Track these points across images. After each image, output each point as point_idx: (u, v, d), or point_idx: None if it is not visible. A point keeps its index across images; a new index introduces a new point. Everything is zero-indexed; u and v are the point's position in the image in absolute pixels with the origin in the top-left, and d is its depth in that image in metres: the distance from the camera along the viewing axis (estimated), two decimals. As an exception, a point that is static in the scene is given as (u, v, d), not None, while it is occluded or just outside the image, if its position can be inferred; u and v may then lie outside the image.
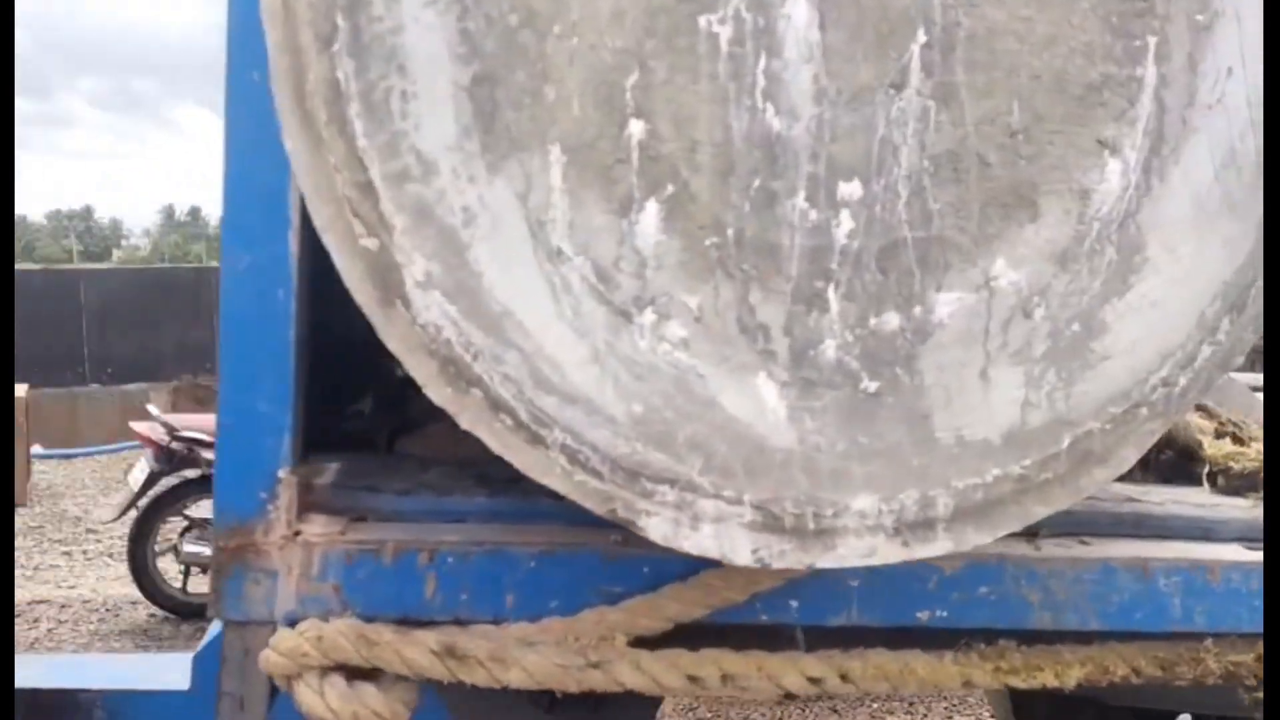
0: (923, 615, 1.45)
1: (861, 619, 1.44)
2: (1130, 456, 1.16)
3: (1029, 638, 1.48)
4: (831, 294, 1.13)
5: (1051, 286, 1.16)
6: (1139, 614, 1.49)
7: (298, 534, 1.33)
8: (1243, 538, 1.56)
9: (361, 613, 1.35)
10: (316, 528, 1.35)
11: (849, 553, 1.13)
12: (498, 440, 1.08)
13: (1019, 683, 1.44)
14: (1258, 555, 1.50)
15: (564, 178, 1.09)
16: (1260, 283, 1.14)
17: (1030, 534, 1.51)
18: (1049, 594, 1.47)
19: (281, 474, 1.32)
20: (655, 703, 1.73)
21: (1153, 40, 1.14)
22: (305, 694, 1.29)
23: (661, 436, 1.10)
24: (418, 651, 1.29)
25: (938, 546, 1.14)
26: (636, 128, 1.09)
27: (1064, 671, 1.44)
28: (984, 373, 1.16)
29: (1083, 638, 1.50)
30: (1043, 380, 1.15)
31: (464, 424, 1.08)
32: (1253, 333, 1.16)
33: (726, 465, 1.10)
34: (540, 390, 1.07)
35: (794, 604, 1.43)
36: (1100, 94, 1.14)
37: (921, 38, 1.11)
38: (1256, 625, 1.49)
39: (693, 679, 1.34)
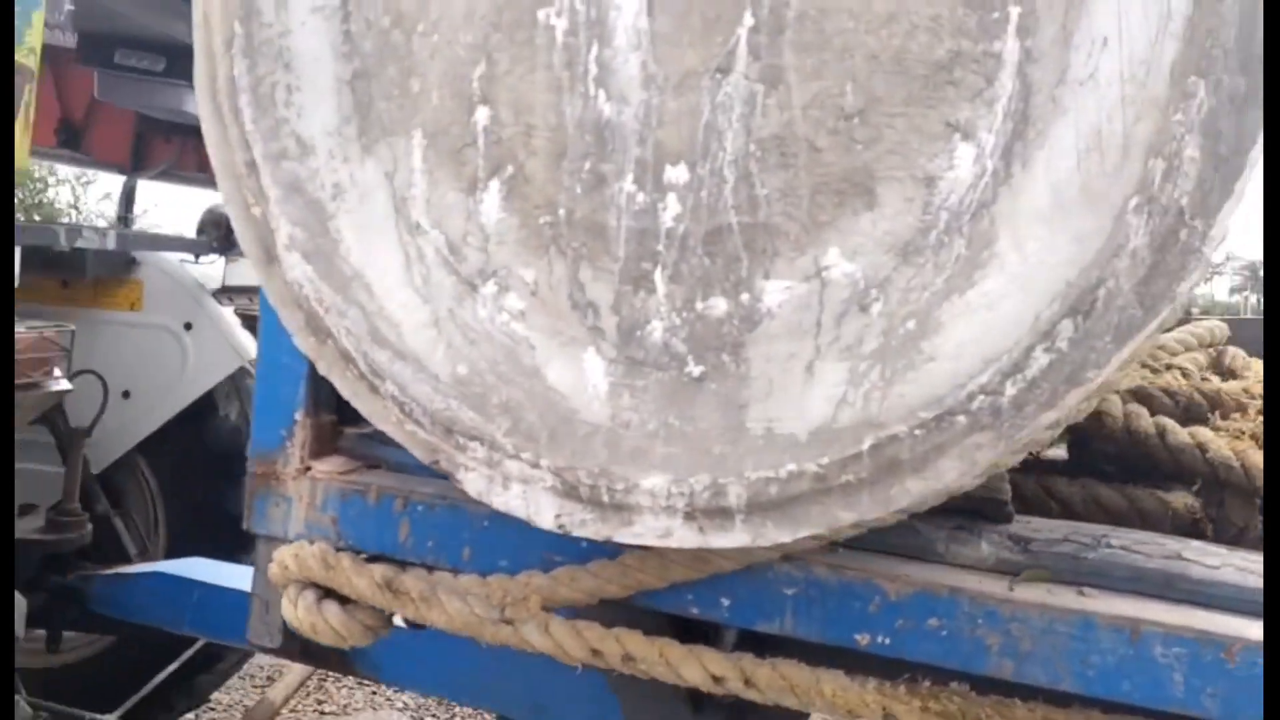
0: (861, 639, 1.35)
1: (796, 631, 1.38)
2: (952, 469, 1.03)
3: (986, 686, 1.33)
4: (658, 276, 1.15)
5: (892, 280, 1.07)
6: (1126, 684, 1.27)
7: (308, 469, 1.57)
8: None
9: (351, 544, 1.55)
10: (326, 467, 1.58)
11: (645, 531, 1.13)
12: (347, 388, 1.24)
13: None
14: None
15: (424, 159, 1.21)
16: (1110, 284, 0.97)
17: (1010, 572, 1.35)
18: (1011, 640, 1.30)
19: (297, 416, 1.56)
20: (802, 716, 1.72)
21: (1015, 10, 1.02)
22: (284, 603, 1.52)
23: (477, 397, 1.18)
24: (365, 581, 1.46)
25: (734, 538, 1.11)
26: (482, 114, 1.19)
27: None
28: (810, 366, 1.10)
29: (1055, 698, 1.31)
30: (865, 379, 1.07)
31: (322, 371, 1.25)
32: (1112, 342, 0.98)
33: (531, 430, 1.16)
34: (376, 345, 1.20)
35: (725, 603, 1.40)
36: (950, 73, 1.04)
37: (749, 21, 1.09)
38: None
39: (595, 652, 1.38)
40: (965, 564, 1.36)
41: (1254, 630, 1.24)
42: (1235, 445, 1.49)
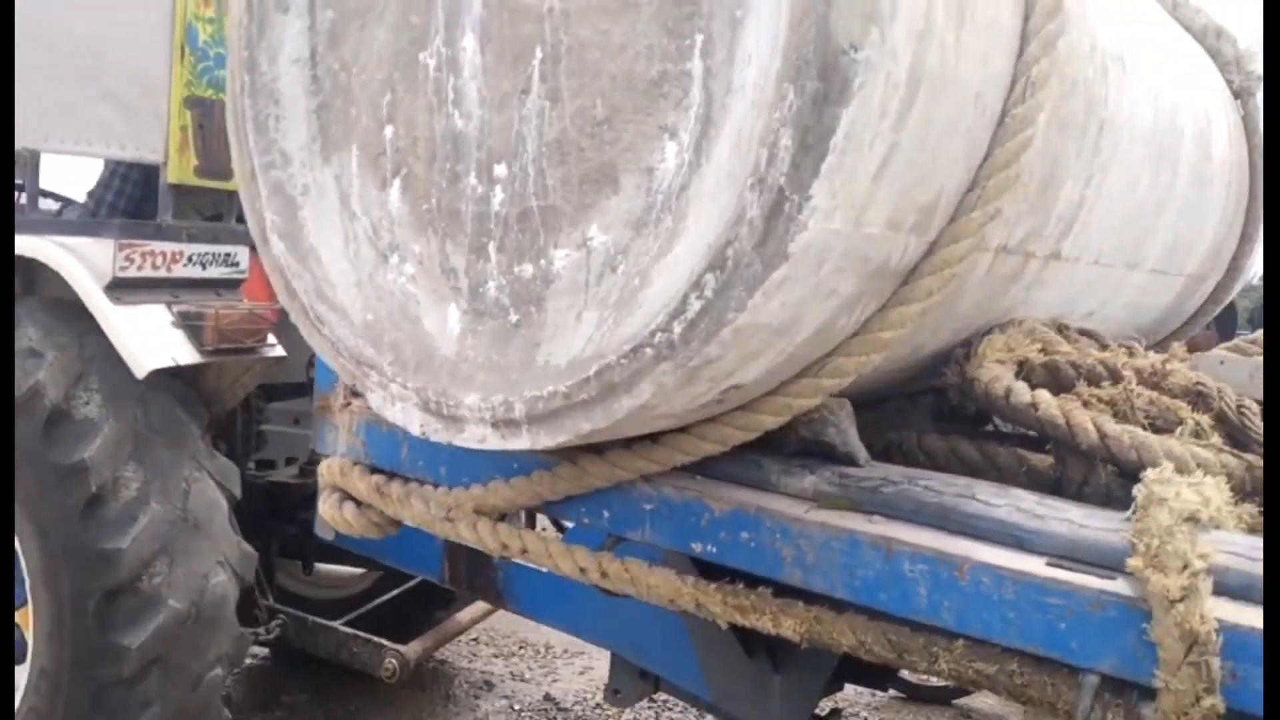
0: (696, 547, 1.65)
1: (653, 538, 1.70)
2: (648, 390, 1.34)
3: (786, 591, 1.58)
4: (491, 248, 1.54)
5: (630, 247, 1.40)
6: (883, 594, 1.49)
7: (349, 404, 2.07)
8: (1063, 554, 1.41)
9: (374, 461, 2.04)
10: (360, 403, 2.07)
11: (470, 436, 1.52)
12: (304, 331, 1.72)
13: (740, 620, 1.57)
14: (1056, 572, 1.38)
15: (358, 166, 1.68)
16: (736, 245, 1.25)
17: (813, 498, 1.59)
18: (800, 553, 1.55)
19: (342, 363, 2.07)
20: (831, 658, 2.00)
21: (699, 38, 1.32)
22: (320, 502, 2.04)
23: (375, 338, 1.62)
24: (364, 486, 1.94)
25: (520, 442, 1.47)
26: (389, 131, 1.63)
27: (781, 622, 1.54)
28: (580, 315, 1.45)
29: (836, 604, 1.55)
30: (605, 322, 1.40)
31: (292, 320, 1.74)
32: (744, 291, 1.25)
33: (405, 362, 1.59)
34: (320, 301, 1.68)
35: (606, 514, 1.75)
36: (661, 87, 1.36)
37: (539, 54, 1.46)
38: (1010, 638, 1.39)
39: (504, 545, 1.77)
40: (790, 493, 1.62)
41: (984, 552, 1.43)
42: (1072, 407, 1.62)
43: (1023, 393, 1.66)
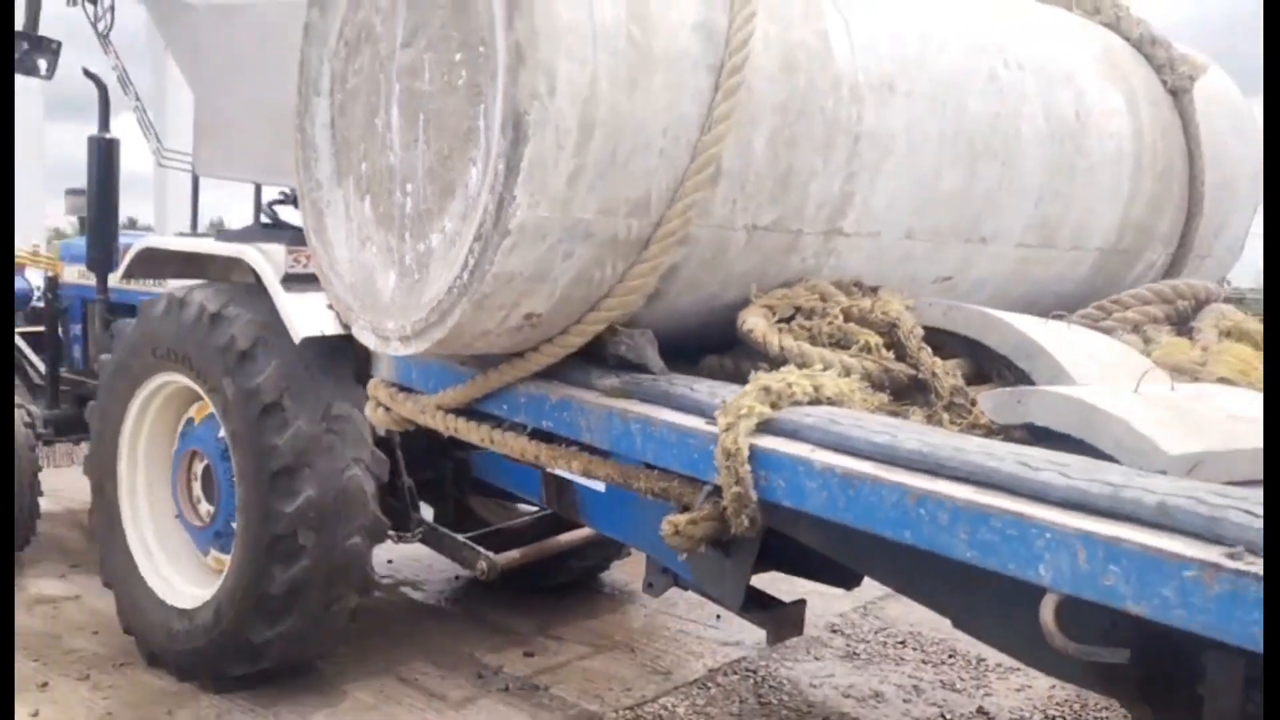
0: (545, 423, 2.58)
1: (525, 419, 2.64)
2: (455, 316, 2.28)
3: (586, 448, 2.48)
4: (407, 235, 2.54)
5: (460, 233, 2.36)
6: (622, 445, 2.36)
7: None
8: (708, 414, 2.21)
9: (396, 381, 3.08)
10: (395, 343, 3.13)
11: (391, 348, 2.54)
12: (326, 291, 2.79)
13: (555, 464, 2.49)
14: (699, 424, 2.20)
15: (353, 188, 2.73)
16: (486, 225, 2.18)
17: (608, 392, 2.47)
18: (590, 423, 2.45)
19: (383, 318, 3.14)
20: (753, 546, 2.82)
21: (482, 107, 2.26)
22: (367, 408, 3.12)
23: (356, 292, 2.67)
24: (386, 394, 3.00)
25: (410, 349, 2.47)
26: (364, 166, 2.68)
27: (573, 465, 2.44)
28: (439, 273, 2.42)
29: (602, 453, 2.42)
30: (445, 276, 2.37)
31: (322, 285, 2.81)
32: (492, 252, 2.17)
33: (367, 306, 2.62)
34: (330, 272, 2.74)
35: (505, 406, 2.70)
36: (469, 136, 2.31)
37: (421, 119, 2.45)
38: (674, 465, 2.23)
39: (448, 427, 2.77)
40: (599, 389, 2.51)
41: (669, 415, 2.27)
42: (768, 330, 2.40)
43: (751, 324, 2.47)
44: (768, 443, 2.05)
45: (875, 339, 2.41)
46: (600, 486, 3.09)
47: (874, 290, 2.74)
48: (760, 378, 2.17)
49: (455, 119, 2.34)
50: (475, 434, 2.71)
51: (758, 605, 3.08)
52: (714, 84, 2.32)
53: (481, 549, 4.49)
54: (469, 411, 2.80)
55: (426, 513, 4.94)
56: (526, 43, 2.08)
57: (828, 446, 1.99)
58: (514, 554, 4.60)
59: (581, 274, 2.33)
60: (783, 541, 2.40)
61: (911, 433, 1.97)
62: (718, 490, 2.13)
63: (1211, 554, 1.44)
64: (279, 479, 3.99)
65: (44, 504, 6.12)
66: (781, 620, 3.23)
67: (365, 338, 2.65)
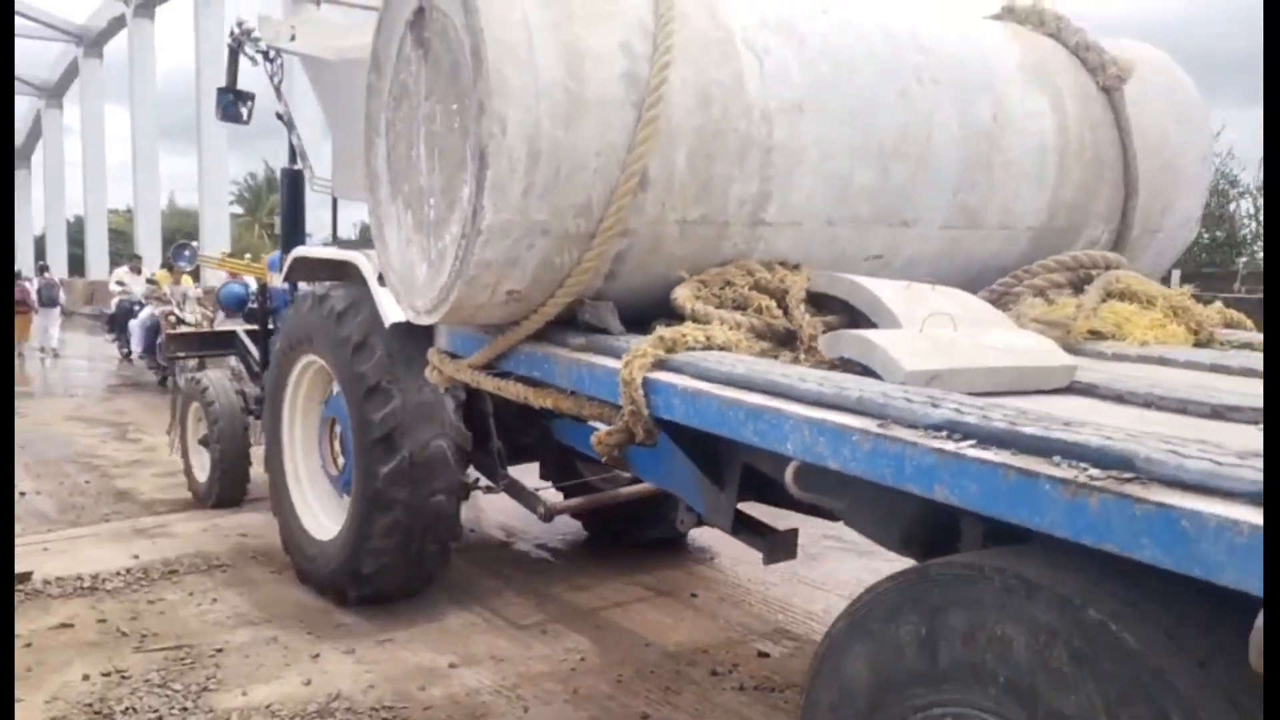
0: (535, 373, 3.45)
1: (525, 371, 3.52)
2: (455, 293, 3.18)
3: (561, 391, 3.33)
4: (432, 237, 3.46)
5: (461, 232, 3.26)
6: (578, 384, 3.20)
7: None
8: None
9: (448, 349, 4.02)
10: (448, 322, 4.08)
11: (422, 320, 3.47)
12: (387, 283, 3.75)
13: (537, 401, 3.35)
14: (615, 365, 3.03)
15: (401, 204, 3.68)
16: (467, 225, 3.07)
17: (576, 348, 3.32)
18: (562, 370, 3.30)
19: (439, 302, 4.10)
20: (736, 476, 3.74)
21: (467, 142, 3.16)
22: (426, 371, 4.08)
23: (402, 279, 3.62)
24: (436, 359, 3.95)
25: (432, 318, 3.39)
26: (406, 187, 3.62)
27: (545, 400, 3.30)
28: (448, 263, 3.33)
29: (568, 393, 3.27)
30: (453, 264, 3.28)
31: (384, 278, 3.77)
32: (472, 245, 3.06)
33: (407, 289, 3.57)
34: (388, 266, 3.70)
35: (512, 364, 3.59)
36: (462, 164, 3.21)
37: (437, 152, 3.37)
38: (604, 395, 3.06)
39: (476, 381, 3.68)
40: (570, 346, 3.36)
41: (604, 360, 3.10)
42: (688, 298, 3.19)
43: (677, 293, 3.27)
44: (659, 375, 2.86)
45: (768, 301, 3.19)
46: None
47: (796, 267, 3.49)
48: (660, 330, 2.99)
49: (454, 152, 3.25)
50: (489, 384, 3.62)
51: (753, 531, 3.86)
52: (637, 117, 3.14)
53: (540, 496, 5.43)
54: (488, 368, 3.71)
55: (531, 470, 5.97)
56: (485, 98, 2.96)
57: (696, 376, 2.79)
58: (571, 502, 5.52)
59: (545, 260, 3.20)
60: (763, 480, 3.17)
61: (754, 365, 2.74)
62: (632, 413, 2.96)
63: (870, 425, 2.19)
64: (378, 446, 5.03)
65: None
66: (775, 544, 3.99)
67: (407, 313, 3.60)
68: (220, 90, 8.17)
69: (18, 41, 37.04)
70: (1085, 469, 1.77)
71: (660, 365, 2.89)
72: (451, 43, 3.20)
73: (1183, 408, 2.39)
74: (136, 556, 6.62)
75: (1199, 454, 1.70)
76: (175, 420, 8.60)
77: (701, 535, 6.87)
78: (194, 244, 33.66)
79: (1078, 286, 3.78)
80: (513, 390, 3.52)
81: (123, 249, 39.86)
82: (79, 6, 33.93)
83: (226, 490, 7.86)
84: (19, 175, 45.28)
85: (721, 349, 2.98)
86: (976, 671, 2.02)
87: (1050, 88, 4.09)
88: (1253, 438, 1.91)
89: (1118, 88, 4.20)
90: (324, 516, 5.95)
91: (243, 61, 7.76)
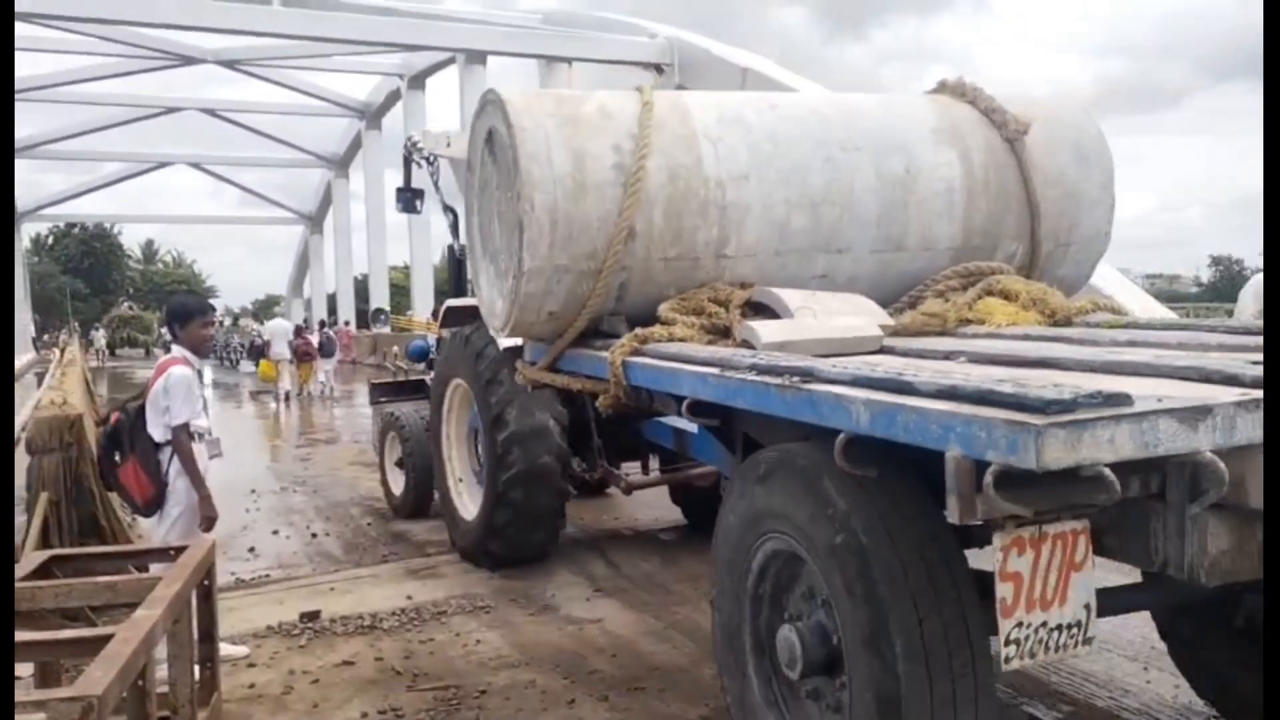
0: (575, 369, 5.08)
1: (573, 369, 5.16)
2: (514, 316, 4.86)
3: (602, 382, 4.96)
4: (500, 282, 5.18)
5: (514, 284, 4.96)
6: (590, 370, 4.81)
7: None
8: None
9: (530, 359, 5.71)
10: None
11: (499, 338, 5.18)
12: (482, 315, 5.49)
13: (579, 387, 4.99)
14: (601, 353, 4.62)
15: (489, 260, 5.43)
16: (516, 270, 4.75)
17: (602, 349, 4.94)
18: (598, 365, 4.92)
19: (523, 327, 5.81)
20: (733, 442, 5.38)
21: (522, 218, 4.86)
22: (516, 375, 5.79)
23: (490, 311, 5.35)
24: (521, 366, 5.65)
25: (503, 336, 5.10)
26: (489, 246, 5.36)
27: (585, 386, 4.93)
28: (510, 298, 5.03)
29: (602, 381, 4.88)
30: (509, 301, 4.97)
31: (482, 314, 5.51)
32: (521, 283, 4.74)
33: (492, 317, 5.29)
34: (483, 304, 5.45)
35: (564, 364, 5.23)
36: (514, 233, 4.91)
37: (499, 225, 5.09)
38: (604, 374, 4.68)
39: (543, 379, 5.36)
40: (595, 348, 4.99)
41: (604, 354, 4.71)
42: (671, 313, 4.74)
43: (660, 309, 4.84)
44: (633, 359, 4.45)
45: (716, 309, 4.73)
46: (694, 428, 5.55)
47: (746, 286, 5.02)
48: (637, 330, 4.58)
49: (510, 223, 4.95)
50: (547, 378, 5.28)
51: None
52: (624, 192, 4.77)
53: (621, 475, 7.08)
54: (550, 369, 5.37)
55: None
56: (521, 188, 4.66)
57: (655, 356, 4.36)
58: (646, 479, 7.17)
59: (570, 290, 4.85)
60: (755, 445, 4.63)
61: (685, 348, 4.30)
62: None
63: (715, 370, 3.72)
64: (500, 459, 6.82)
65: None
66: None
67: (492, 332, 5.32)
68: (398, 189, 10.50)
69: (312, 120, 40.93)
70: (793, 379, 3.27)
71: (635, 352, 4.48)
72: (505, 152, 4.91)
73: (926, 354, 3.83)
74: (410, 597, 6.97)
75: (845, 367, 3.18)
76: (375, 448, 10.65)
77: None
78: (387, 310, 37.09)
79: (969, 288, 5.15)
80: (560, 380, 5.18)
81: (402, 302, 44.10)
82: (361, 84, 37.33)
83: (417, 502, 9.70)
84: (312, 240, 50.35)
85: (681, 340, 4.54)
86: (779, 514, 3.52)
87: (960, 144, 5.47)
88: (945, 368, 3.35)
89: (1018, 138, 5.54)
90: (470, 502, 7.78)
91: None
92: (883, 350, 4.12)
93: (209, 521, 5.61)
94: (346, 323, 40.19)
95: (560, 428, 7.07)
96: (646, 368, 4.30)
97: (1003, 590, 2.56)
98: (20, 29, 24.85)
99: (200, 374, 5.83)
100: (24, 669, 4.05)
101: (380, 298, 37.54)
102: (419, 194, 10.48)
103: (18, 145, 38.66)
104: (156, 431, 5.54)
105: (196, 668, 4.27)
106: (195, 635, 4.27)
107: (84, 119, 40.08)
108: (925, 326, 4.74)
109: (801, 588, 3.56)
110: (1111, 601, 4.20)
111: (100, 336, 51.56)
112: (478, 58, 25.20)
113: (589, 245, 4.78)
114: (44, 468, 6.86)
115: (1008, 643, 2.56)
